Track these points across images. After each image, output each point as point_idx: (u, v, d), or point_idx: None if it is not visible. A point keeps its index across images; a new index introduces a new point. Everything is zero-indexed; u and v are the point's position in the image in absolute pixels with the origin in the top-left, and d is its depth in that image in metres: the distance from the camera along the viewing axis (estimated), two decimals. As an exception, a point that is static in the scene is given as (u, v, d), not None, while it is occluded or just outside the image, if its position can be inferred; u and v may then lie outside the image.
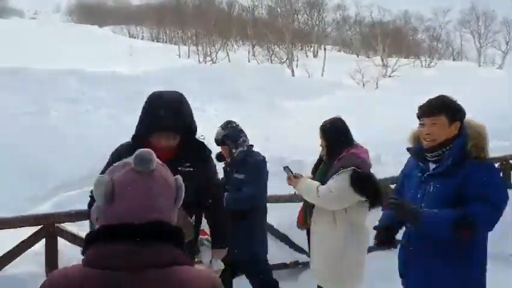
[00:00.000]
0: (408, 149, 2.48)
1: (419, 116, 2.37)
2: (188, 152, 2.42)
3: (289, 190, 5.31)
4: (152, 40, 56.59)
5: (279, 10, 43.75)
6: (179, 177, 1.27)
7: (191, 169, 2.38)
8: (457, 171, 2.24)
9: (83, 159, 10.32)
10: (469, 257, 2.29)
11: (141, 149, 1.22)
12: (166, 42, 55.54)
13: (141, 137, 2.37)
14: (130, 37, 57.44)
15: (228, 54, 42.77)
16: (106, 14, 74.94)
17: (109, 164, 2.27)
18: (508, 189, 5.68)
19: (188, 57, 41.63)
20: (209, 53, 42.16)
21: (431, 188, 2.32)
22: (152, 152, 1.22)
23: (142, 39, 57.46)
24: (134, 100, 18.67)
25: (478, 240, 2.28)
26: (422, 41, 52.75)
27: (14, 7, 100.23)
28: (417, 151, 2.42)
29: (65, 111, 14.20)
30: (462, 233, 2.13)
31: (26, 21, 72.28)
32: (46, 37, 42.53)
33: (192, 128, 2.45)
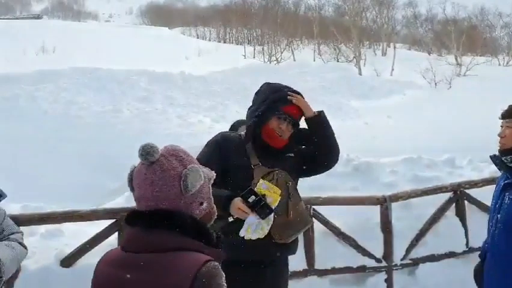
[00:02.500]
0: (490, 156, 2.31)
1: (500, 118, 2.26)
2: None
3: (354, 192, 5.18)
4: (219, 41, 57.63)
5: (346, 8, 42.89)
6: (190, 167, 1.34)
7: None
8: None
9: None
10: None
11: (145, 143, 1.35)
12: (232, 42, 56.36)
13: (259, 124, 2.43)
14: (198, 38, 58.89)
15: (293, 54, 42.62)
16: (175, 16, 77.66)
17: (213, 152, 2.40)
18: None
19: (254, 57, 41.92)
20: (274, 53, 42.23)
21: (507, 199, 2.16)
22: (155, 145, 1.35)
23: (209, 40, 58.69)
24: (202, 99, 19.15)
25: None
26: (500, 38, 49.61)
27: (90, 11, 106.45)
28: (498, 157, 2.26)
29: (136, 109, 14.81)
30: None
31: (101, 24, 76.45)
32: (120, 38, 44.60)
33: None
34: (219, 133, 2.53)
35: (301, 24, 47.83)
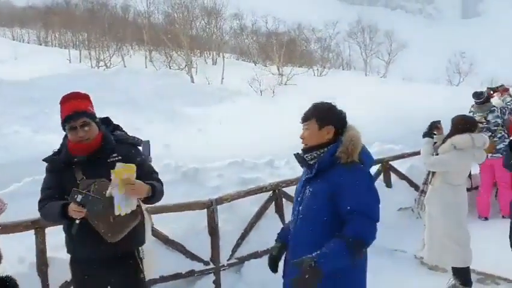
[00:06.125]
0: (294, 155, 2.59)
1: (301, 122, 2.57)
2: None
3: (185, 198, 5.23)
4: (40, 44, 52.75)
5: (176, 16, 43.24)
6: None
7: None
8: (326, 176, 2.37)
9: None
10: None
11: None
12: (55, 45, 52.10)
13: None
14: (14, 40, 52.94)
15: (123, 59, 41.28)
16: (-15, 15, 68.47)
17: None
18: (389, 188, 6.09)
19: (80, 62, 39.46)
20: (102, 58, 40.34)
21: (307, 192, 2.44)
22: None
23: (28, 42, 53.29)
24: (19, 107, 17.26)
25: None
26: (315, 51, 55.48)
27: None
28: (301, 156, 2.54)
29: None
30: (359, 256, 2.26)
31: None
32: None
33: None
34: (46, 157, 2.71)
35: (131, 30, 46.56)
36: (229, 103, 29.29)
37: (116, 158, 2.62)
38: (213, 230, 4.59)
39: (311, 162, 2.45)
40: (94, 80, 26.46)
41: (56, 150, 2.74)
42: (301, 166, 2.58)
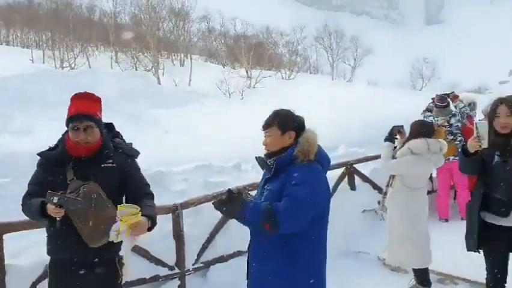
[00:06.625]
0: (256, 158, 2.64)
1: (262, 130, 2.64)
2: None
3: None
4: (1, 43, 51.09)
5: (143, 17, 42.73)
6: None
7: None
8: (283, 175, 2.45)
9: None
10: (295, 259, 2.43)
11: None
12: (16, 45, 50.57)
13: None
14: (-29, 38, 51.09)
15: (88, 60, 40.48)
16: None
17: None
18: (353, 191, 6.18)
19: (43, 62, 38.45)
20: (67, 59, 39.45)
21: (265, 190, 2.53)
22: None
23: (-13, 41, 51.52)
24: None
25: (304, 245, 2.43)
26: (283, 54, 55.97)
27: None
28: (262, 159, 2.64)
29: None
30: (264, 226, 2.31)
31: None
32: None
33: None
34: (41, 152, 2.67)
35: (96, 30, 45.71)
36: (197, 105, 29.16)
37: (111, 165, 2.64)
38: (178, 235, 4.55)
39: (270, 164, 2.53)
40: (58, 81, 25.86)
41: (52, 146, 2.71)
42: (262, 168, 2.67)
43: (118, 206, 2.51)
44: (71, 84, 25.10)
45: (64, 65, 38.58)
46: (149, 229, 2.66)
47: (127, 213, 2.48)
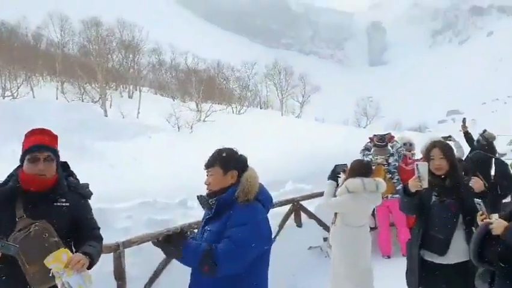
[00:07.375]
0: (197, 196, 2.61)
1: (204, 168, 2.60)
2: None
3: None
4: None
5: (92, 48, 42.12)
6: None
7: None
8: (224, 215, 2.44)
9: None
10: None
11: None
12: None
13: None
14: None
15: (32, 90, 39.12)
16: None
17: None
18: (299, 228, 6.19)
19: (-17, 90, 36.81)
20: (9, 87, 37.95)
21: (206, 231, 2.50)
22: None
23: None
24: None
25: (244, 285, 2.42)
26: (234, 89, 56.64)
27: None
28: (204, 198, 2.59)
29: None
30: (202, 268, 2.29)
31: None
32: None
33: None
34: None
35: (42, 60, 44.45)
36: (145, 138, 28.71)
37: (64, 204, 2.57)
38: (120, 275, 4.37)
39: (212, 203, 2.51)
40: (0, 111, 24.74)
41: (1, 181, 2.59)
42: (203, 208, 2.62)
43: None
44: (12, 114, 24.09)
45: (6, 94, 37.07)
46: (88, 267, 2.53)
47: (53, 256, 2.38)
